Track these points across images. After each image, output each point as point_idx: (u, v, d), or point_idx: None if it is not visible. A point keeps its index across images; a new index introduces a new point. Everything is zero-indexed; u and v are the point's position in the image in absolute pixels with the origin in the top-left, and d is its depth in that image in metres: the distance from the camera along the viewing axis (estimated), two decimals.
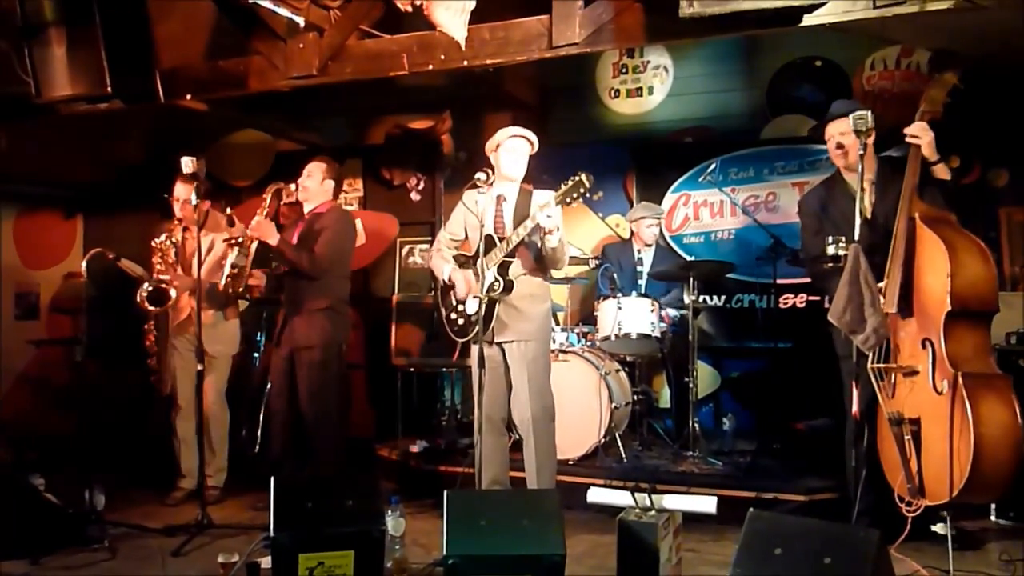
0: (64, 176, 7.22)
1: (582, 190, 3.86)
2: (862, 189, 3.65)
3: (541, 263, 4.24)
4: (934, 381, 3.48)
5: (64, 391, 6.89)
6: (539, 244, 4.13)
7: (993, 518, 4.35)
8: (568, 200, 3.88)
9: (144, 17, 4.73)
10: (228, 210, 5.12)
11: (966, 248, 3.52)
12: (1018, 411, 3.37)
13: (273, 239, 4.69)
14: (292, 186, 4.89)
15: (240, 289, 4.82)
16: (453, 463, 5.11)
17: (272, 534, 3.23)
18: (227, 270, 4.83)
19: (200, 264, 4.55)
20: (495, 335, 4.17)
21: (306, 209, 4.94)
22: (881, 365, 3.62)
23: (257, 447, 5.83)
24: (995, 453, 3.32)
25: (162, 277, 4.97)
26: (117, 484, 4.91)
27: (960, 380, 3.36)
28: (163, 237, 5.10)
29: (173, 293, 4.89)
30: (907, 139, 3.74)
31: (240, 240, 4.77)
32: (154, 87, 4.97)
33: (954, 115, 3.88)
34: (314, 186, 4.89)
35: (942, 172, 3.74)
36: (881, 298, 3.63)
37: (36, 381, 7.37)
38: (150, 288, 4.90)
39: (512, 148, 4.22)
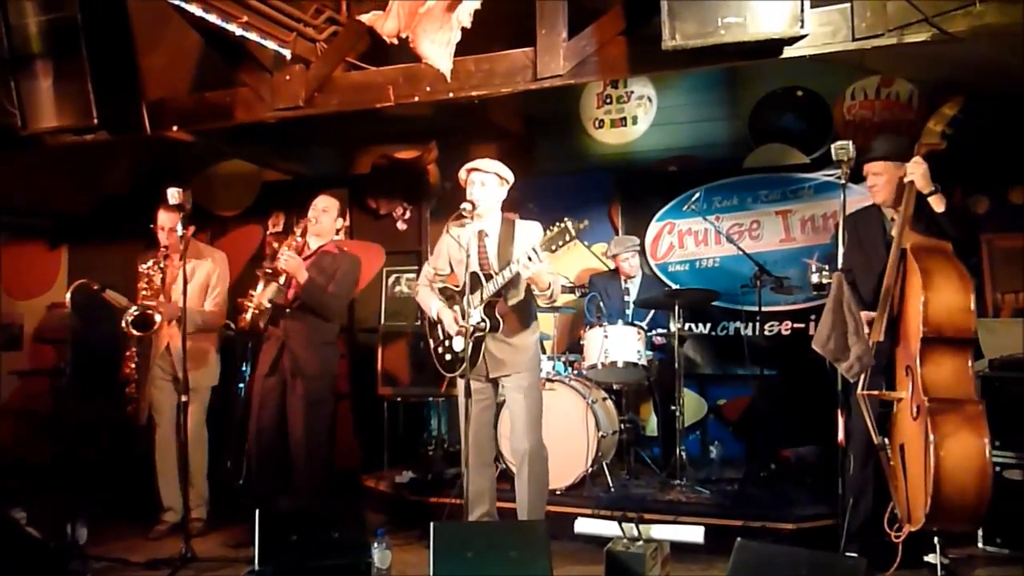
0: (49, 207, 7.21)
1: (568, 237, 3.75)
2: (843, 217, 3.70)
3: (530, 296, 4.23)
4: (911, 407, 3.50)
5: (47, 422, 6.82)
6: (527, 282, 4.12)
7: (980, 545, 4.35)
8: (553, 248, 3.78)
9: (131, 49, 4.76)
10: (274, 243, 5.02)
11: (943, 275, 3.54)
12: (987, 438, 3.35)
13: (303, 277, 4.68)
14: (311, 219, 4.85)
15: (263, 323, 4.78)
16: (440, 494, 5.08)
17: (256, 567, 3.20)
18: (257, 303, 4.73)
19: (185, 292, 4.52)
20: (489, 371, 4.15)
21: (312, 244, 4.90)
22: (867, 392, 3.63)
23: (241, 478, 5.78)
24: (958, 479, 3.30)
25: (147, 303, 4.90)
26: (100, 516, 4.85)
27: (927, 406, 3.38)
28: (151, 263, 5.06)
29: (158, 318, 4.84)
30: (905, 176, 3.76)
31: (276, 274, 4.70)
32: (140, 118, 4.98)
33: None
34: (329, 223, 4.91)
35: (937, 203, 3.75)
36: (866, 327, 3.67)
37: (19, 412, 7.30)
38: (136, 313, 4.85)
39: (472, 181, 4.17)
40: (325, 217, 4.89)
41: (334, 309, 4.82)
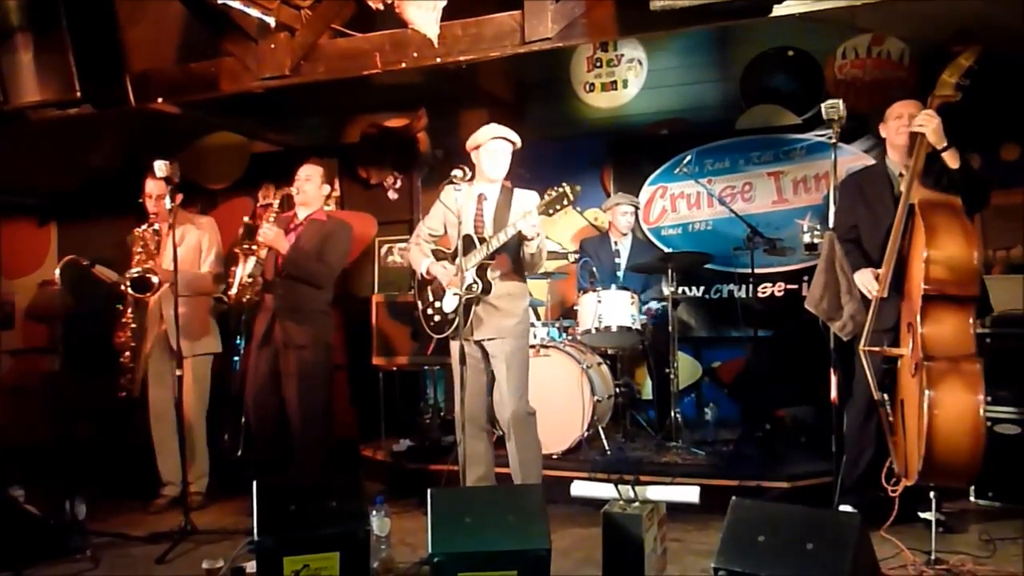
0: (37, 184, 7.15)
1: (565, 202, 3.79)
2: (835, 175, 3.68)
3: (519, 263, 4.23)
4: (911, 364, 3.51)
5: (42, 400, 6.82)
6: (518, 248, 4.12)
7: (973, 499, 4.40)
8: (551, 211, 3.82)
9: (112, 20, 4.70)
10: (245, 219, 5.01)
11: (948, 232, 3.48)
12: (982, 395, 3.35)
13: (284, 248, 4.65)
14: (293, 189, 4.81)
15: (250, 296, 4.77)
16: (438, 461, 5.10)
17: (256, 538, 3.21)
18: (240, 278, 4.72)
19: (175, 258, 4.48)
20: (474, 332, 4.16)
21: (301, 214, 4.84)
22: (869, 348, 3.64)
23: (240, 451, 5.79)
24: (950, 437, 3.31)
25: (146, 266, 4.86)
26: (99, 493, 4.86)
27: (923, 363, 3.38)
28: (144, 226, 5.02)
29: (155, 279, 4.82)
30: (914, 127, 3.70)
31: (254, 249, 4.68)
32: (125, 91, 4.94)
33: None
34: (313, 191, 4.81)
35: (951, 159, 3.68)
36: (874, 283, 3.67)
37: (13, 391, 7.29)
38: (136, 274, 4.82)
39: (494, 149, 4.16)
40: (308, 186, 4.80)
41: (322, 276, 4.74)
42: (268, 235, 4.64)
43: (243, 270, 4.74)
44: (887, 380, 3.70)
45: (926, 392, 3.33)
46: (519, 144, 4.23)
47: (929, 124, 3.63)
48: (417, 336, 5.55)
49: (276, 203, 4.81)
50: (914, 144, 3.76)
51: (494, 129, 4.19)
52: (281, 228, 4.73)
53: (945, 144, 3.66)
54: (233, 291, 4.78)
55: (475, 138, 4.22)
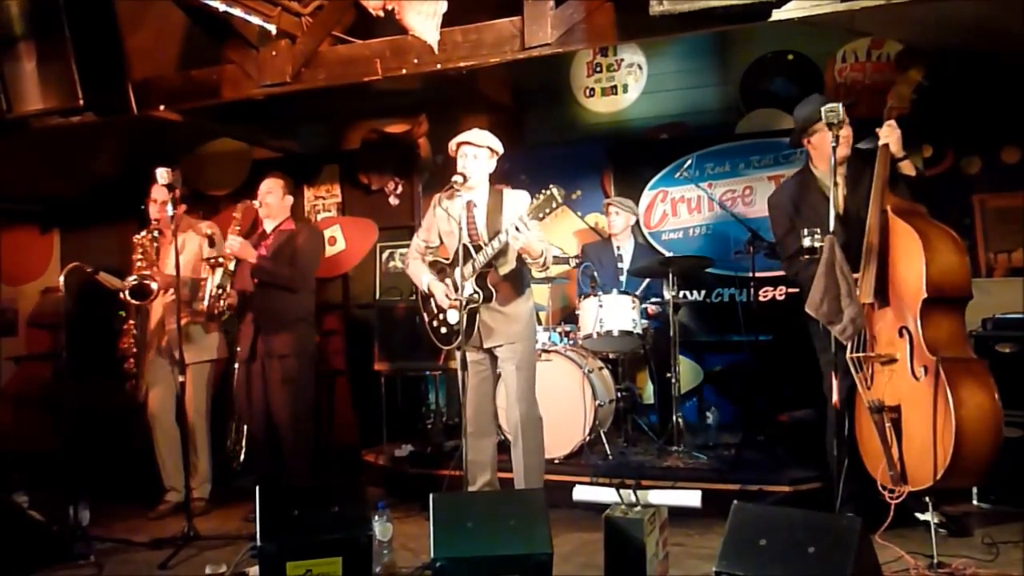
0: (39, 191, 7.17)
1: (554, 204, 3.75)
2: (835, 183, 3.69)
3: (522, 265, 4.22)
4: (912, 368, 3.51)
5: (46, 407, 6.83)
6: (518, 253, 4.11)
7: (975, 502, 4.40)
8: (541, 215, 3.78)
9: (115, 29, 4.72)
10: (208, 231, 5.07)
11: (939, 237, 3.58)
12: (996, 394, 3.40)
13: (252, 257, 4.72)
14: (255, 203, 4.91)
15: (223, 308, 4.82)
16: (440, 466, 5.11)
17: (259, 543, 3.22)
18: (210, 290, 4.78)
19: (178, 269, 4.51)
20: (484, 341, 4.16)
21: (268, 226, 4.95)
22: (859, 355, 3.66)
23: (242, 459, 5.81)
24: (976, 436, 3.35)
25: (144, 273, 4.92)
26: (102, 499, 4.87)
27: (940, 366, 3.39)
28: (144, 233, 5.06)
29: (154, 286, 4.86)
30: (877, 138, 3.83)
31: (221, 260, 4.75)
32: (127, 99, 4.95)
33: (926, 104, 3.94)
34: (275, 202, 4.93)
35: (908, 168, 3.84)
36: (857, 290, 3.68)
37: (17, 398, 7.31)
38: (134, 282, 4.87)
39: (463, 155, 4.15)
40: (270, 198, 4.91)
41: (295, 280, 4.80)
42: (233, 246, 4.70)
43: (212, 281, 4.81)
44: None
45: (947, 393, 3.34)
46: (496, 148, 4.20)
47: (892, 135, 3.79)
48: (419, 341, 5.56)
49: (238, 215, 4.83)
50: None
51: (459, 136, 4.18)
52: (252, 242, 4.80)
53: (904, 155, 3.82)
54: (204, 304, 4.82)
55: (449, 147, 4.23)
